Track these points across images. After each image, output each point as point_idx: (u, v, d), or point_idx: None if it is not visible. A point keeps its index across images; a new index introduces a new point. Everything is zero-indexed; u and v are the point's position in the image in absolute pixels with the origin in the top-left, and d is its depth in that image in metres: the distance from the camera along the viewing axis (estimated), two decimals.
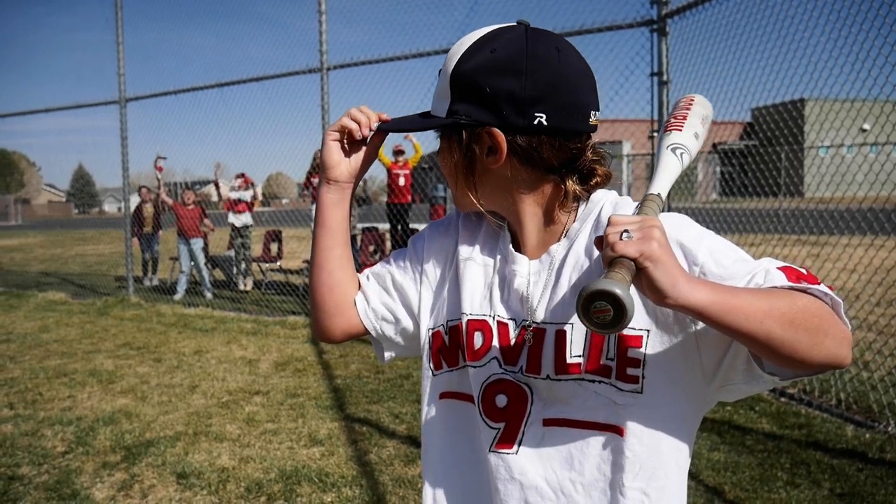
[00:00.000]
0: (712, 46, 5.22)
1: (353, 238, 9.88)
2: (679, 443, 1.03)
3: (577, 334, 1.00)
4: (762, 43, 5.02)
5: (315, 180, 8.98)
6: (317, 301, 1.20)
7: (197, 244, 10.18)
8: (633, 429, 0.99)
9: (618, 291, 0.77)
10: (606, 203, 1.06)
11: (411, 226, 11.09)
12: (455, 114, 1.01)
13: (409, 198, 11.22)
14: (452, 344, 1.12)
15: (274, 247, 11.27)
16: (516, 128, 0.98)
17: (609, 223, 0.86)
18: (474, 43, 1.01)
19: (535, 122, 0.97)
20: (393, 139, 11.02)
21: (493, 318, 1.08)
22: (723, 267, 0.93)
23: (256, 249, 11.56)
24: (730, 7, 5.13)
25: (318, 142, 8.80)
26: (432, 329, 1.15)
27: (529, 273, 1.07)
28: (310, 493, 3.50)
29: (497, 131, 0.99)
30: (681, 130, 1.08)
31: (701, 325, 0.94)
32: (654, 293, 0.83)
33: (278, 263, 11.00)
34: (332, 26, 8.05)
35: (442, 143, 1.08)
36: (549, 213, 1.05)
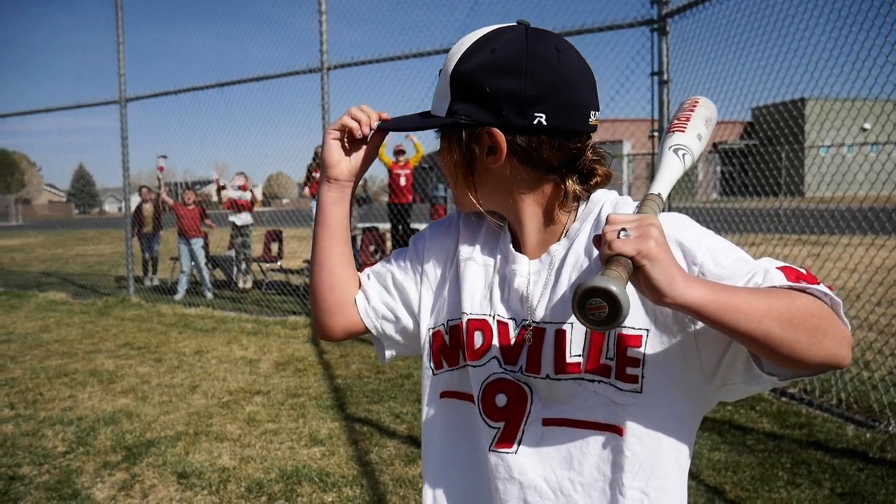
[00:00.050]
0: (713, 46, 5.23)
1: (354, 238, 9.88)
2: (679, 442, 1.03)
3: (576, 334, 1.00)
4: (762, 42, 5.02)
5: (316, 175, 8.99)
6: (317, 299, 1.21)
7: (197, 244, 10.18)
8: (633, 428, 0.99)
9: (613, 288, 0.77)
10: (606, 203, 1.06)
11: (412, 226, 11.09)
12: (455, 113, 1.02)
13: (410, 198, 11.22)
14: (453, 343, 1.12)
15: (274, 247, 11.28)
16: (516, 128, 0.98)
17: (607, 221, 0.86)
18: (474, 43, 1.01)
19: (535, 122, 0.98)
20: (394, 139, 11.03)
21: (493, 317, 1.08)
22: (722, 266, 0.93)
23: (257, 249, 11.57)
24: (730, 6, 5.14)
25: (319, 141, 8.81)
26: (433, 328, 1.15)
27: (529, 272, 1.07)
28: (310, 493, 3.50)
29: (497, 131, 0.99)
30: (683, 132, 1.08)
31: (700, 324, 0.94)
32: (651, 291, 0.83)
33: (279, 263, 11.00)
34: (333, 26, 8.06)
35: (442, 142, 1.09)
36: (549, 213, 1.05)
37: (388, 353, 1.24)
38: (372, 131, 1.13)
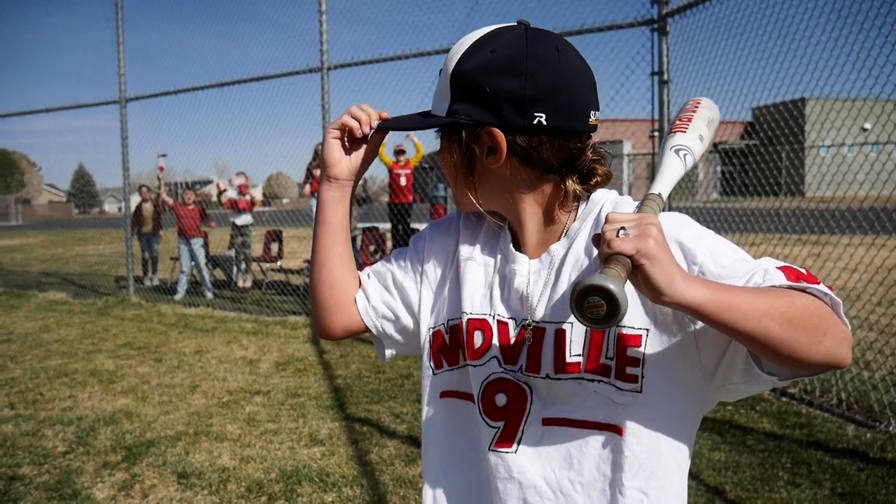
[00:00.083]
0: (713, 46, 5.23)
1: (353, 239, 9.88)
2: (678, 442, 1.03)
3: (576, 333, 1.00)
4: (763, 42, 5.02)
5: (316, 172, 8.99)
6: (317, 298, 1.21)
7: (197, 244, 10.18)
8: (633, 428, 0.99)
9: (611, 286, 0.77)
10: (606, 202, 1.06)
11: (412, 225, 11.09)
12: (455, 113, 1.02)
13: (411, 198, 11.21)
14: (453, 343, 1.12)
15: (274, 247, 11.28)
16: (516, 127, 0.98)
17: (606, 220, 0.86)
18: (474, 43, 1.01)
19: (535, 121, 0.98)
20: (395, 139, 11.03)
21: (493, 317, 1.08)
22: (722, 266, 0.93)
23: (257, 249, 11.57)
24: (730, 6, 5.14)
25: (319, 141, 8.80)
26: (433, 328, 1.15)
27: (529, 272, 1.07)
28: (310, 493, 3.50)
29: (497, 131, 0.99)
30: (685, 132, 1.08)
31: (700, 324, 0.94)
32: (650, 290, 0.83)
33: (279, 263, 11.01)
34: (333, 26, 8.06)
35: (442, 142, 1.09)
36: (550, 213, 1.05)
37: (388, 353, 1.24)
38: (372, 130, 1.13)
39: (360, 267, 1.26)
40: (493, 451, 1.06)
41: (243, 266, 10.73)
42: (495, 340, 1.07)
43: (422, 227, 1.27)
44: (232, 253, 10.98)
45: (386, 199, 12.39)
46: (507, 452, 1.05)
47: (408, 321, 1.20)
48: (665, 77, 5.62)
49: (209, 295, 10.06)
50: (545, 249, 1.07)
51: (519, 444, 1.05)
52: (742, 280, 0.91)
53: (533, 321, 1.04)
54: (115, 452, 4.10)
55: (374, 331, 1.21)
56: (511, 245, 1.10)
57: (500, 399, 1.06)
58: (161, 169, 10.62)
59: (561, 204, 1.04)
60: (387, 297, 1.20)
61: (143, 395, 5.23)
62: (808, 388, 4.78)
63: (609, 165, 1.08)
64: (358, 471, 3.76)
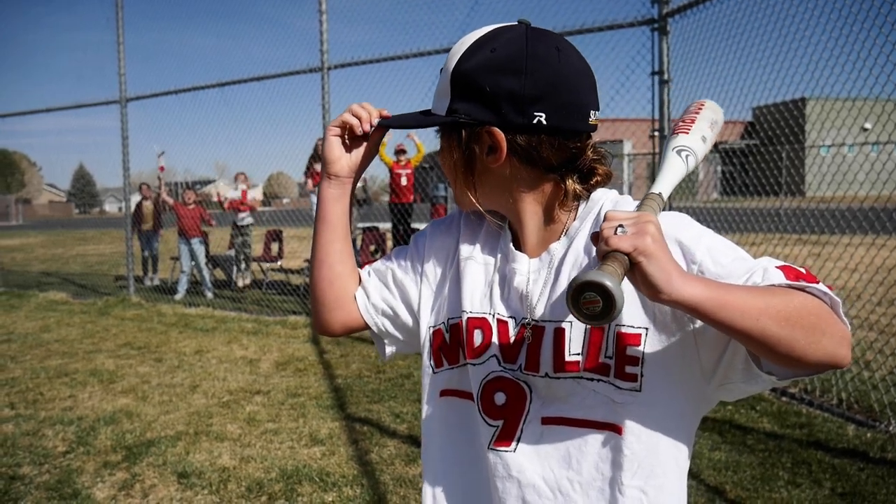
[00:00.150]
0: (713, 45, 5.23)
1: (353, 241, 9.87)
2: (678, 441, 1.03)
3: (575, 332, 1.01)
4: (763, 42, 5.02)
5: (317, 166, 8.99)
6: (317, 295, 1.21)
7: (197, 244, 10.19)
8: (632, 427, 0.99)
9: (607, 282, 0.78)
10: (606, 201, 1.06)
11: (413, 225, 11.08)
12: (455, 112, 1.02)
13: (412, 198, 11.21)
14: (453, 342, 1.12)
15: (275, 246, 11.28)
16: (516, 127, 0.99)
17: (605, 218, 0.87)
18: (475, 42, 1.01)
19: (535, 121, 0.98)
20: (396, 139, 11.02)
21: (493, 315, 1.08)
22: (721, 265, 0.93)
23: (257, 249, 11.57)
24: (730, 6, 5.14)
25: (320, 137, 8.79)
26: (433, 327, 1.16)
27: (529, 271, 1.07)
28: (311, 493, 3.50)
29: (497, 130, 0.99)
30: (687, 133, 1.08)
31: (699, 323, 0.94)
32: (647, 288, 0.83)
33: (279, 263, 11.01)
34: (333, 26, 8.06)
35: (442, 141, 1.09)
36: (550, 212, 1.06)
37: (389, 350, 1.24)
38: (372, 128, 1.13)
39: (360, 266, 1.26)
40: (492, 449, 1.06)
41: (243, 266, 10.74)
42: (495, 339, 1.07)
43: (422, 226, 1.27)
44: (232, 253, 10.99)
45: (386, 198, 12.39)
46: (506, 451, 1.05)
47: (407, 319, 1.20)
48: (665, 77, 5.62)
49: (209, 295, 10.06)
50: (545, 248, 1.07)
51: (518, 442, 1.05)
52: (741, 279, 0.91)
53: (532, 320, 1.05)
54: (116, 452, 4.10)
55: (374, 328, 1.22)
56: (511, 244, 1.10)
57: (499, 398, 1.06)
58: (162, 169, 10.63)
59: (561, 203, 1.04)
60: (386, 295, 1.21)
61: (144, 394, 5.23)
62: (808, 387, 4.78)
63: (609, 165, 1.08)
64: (358, 470, 3.76)
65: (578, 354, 1.00)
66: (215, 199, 11.25)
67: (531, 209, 1.06)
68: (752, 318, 0.83)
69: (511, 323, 1.07)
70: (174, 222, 10.50)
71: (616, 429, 1.00)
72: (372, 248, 10.70)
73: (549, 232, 1.07)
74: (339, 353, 6.36)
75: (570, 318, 1.01)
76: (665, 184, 1.01)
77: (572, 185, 1.03)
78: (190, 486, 3.63)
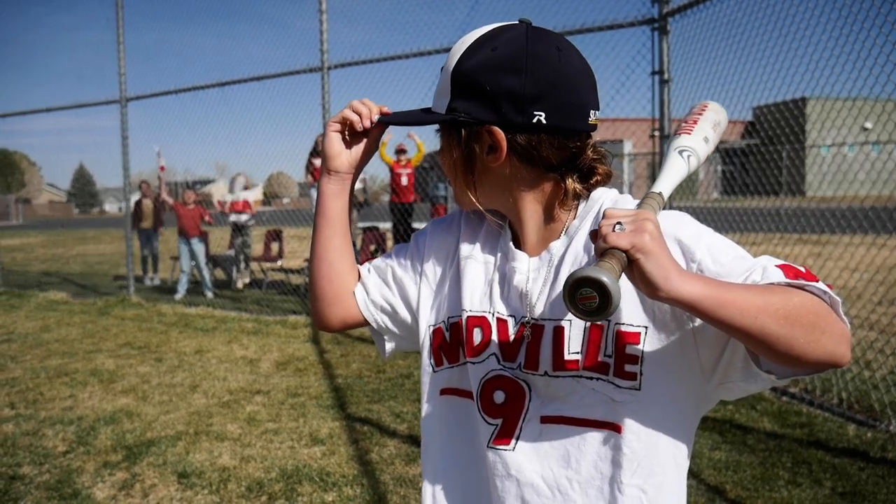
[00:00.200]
0: (713, 45, 5.23)
1: (353, 241, 9.87)
2: (677, 440, 1.03)
3: (575, 330, 1.01)
4: (763, 41, 5.02)
5: (316, 162, 8.99)
6: (316, 290, 1.22)
7: (197, 243, 10.19)
8: (631, 426, 0.99)
9: (603, 278, 0.78)
10: (606, 200, 1.06)
11: (414, 225, 11.08)
12: (454, 111, 1.02)
13: (412, 197, 11.20)
14: (453, 340, 1.12)
15: (275, 246, 11.28)
16: (515, 126, 0.99)
17: (604, 216, 0.87)
18: (476, 41, 1.01)
19: (534, 120, 0.98)
20: (396, 138, 11.01)
21: (493, 314, 1.08)
22: (720, 264, 0.93)
23: (257, 249, 11.56)
24: (731, 5, 5.14)
25: (320, 133, 8.79)
26: (433, 326, 1.16)
27: (529, 270, 1.07)
28: (311, 493, 3.50)
29: (497, 129, 1.00)
30: (690, 134, 1.09)
31: (699, 321, 0.94)
32: (645, 285, 0.83)
33: (279, 263, 11.00)
34: (333, 25, 8.06)
35: (442, 140, 1.09)
36: (550, 211, 1.06)
37: (388, 347, 1.24)
38: (373, 125, 1.13)
39: (360, 264, 1.26)
40: (491, 448, 1.06)
41: (242, 266, 10.74)
42: (494, 337, 1.07)
43: (423, 226, 1.28)
44: (232, 253, 10.99)
45: (387, 198, 12.38)
46: (505, 450, 1.05)
47: (406, 316, 1.20)
48: (665, 76, 5.61)
49: (209, 294, 10.06)
50: (545, 247, 1.07)
51: (517, 441, 1.05)
52: (740, 278, 0.91)
53: (532, 318, 1.05)
54: (116, 452, 4.10)
55: (373, 325, 1.22)
56: (511, 243, 1.10)
57: (499, 396, 1.06)
58: (162, 169, 10.63)
59: (561, 202, 1.04)
60: (386, 292, 1.21)
61: (144, 394, 5.23)
62: (808, 387, 4.78)
63: (609, 164, 1.08)
64: (358, 470, 3.76)
65: (578, 353, 1.00)
66: (216, 203, 11.27)
67: (531, 208, 1.06)
68: (751, 316, 0.83)
69: (511, 321, 1.07)
70: (174, 222, 10.50)
71: (615, 427, 1.00)
72: (372, 247, 10.70)
73: (549, 231, 1.07)
74: (339, 352, 6.36)
75: (570, 316, 1.01)
76: (666, 183, 1.01)
77: (572, 184, 1.03)
78: (190, 485, 3.63)
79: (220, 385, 5.45)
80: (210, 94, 9.48)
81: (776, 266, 0.91)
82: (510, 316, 1.07)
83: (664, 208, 0.99)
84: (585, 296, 0.79)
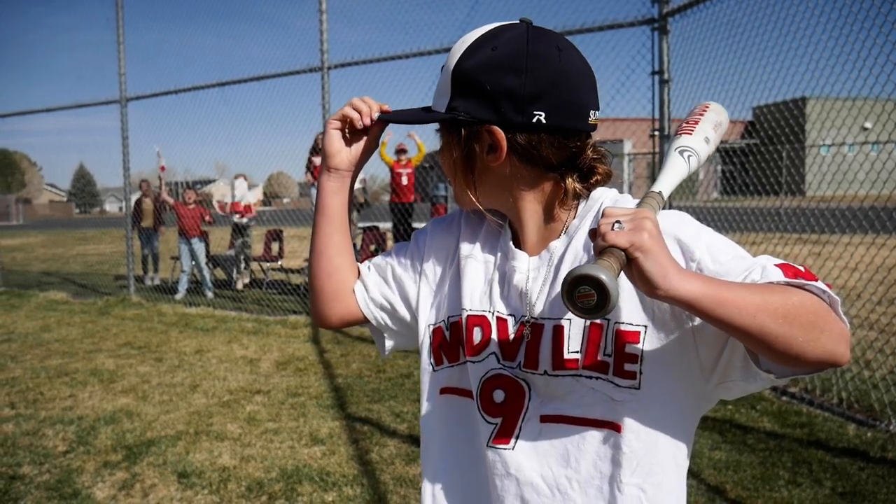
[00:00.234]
0: (713, 45, 5.23)
1: (354, 244, 9.85)
2: (677, 440, 1.03)
3: (574, 330, 1.01)
4: (763, 41, 5.02)
5: (316, 160, 9.00)
6: (316, 287, 1.22)
7: (198, 243, 10.19)
8: (631, 425, 0.99)
9: (601, 276, 0.78)
10: (606, 199, 1.06)
11: (414, 225, 11.08)
12: (454, 110, 1.02)
13: (413, 197, 11.20)
14: (453, 340, 1.12)
15: (275, 246, 11.28)
16: (515, 125, 0.99)
17: (603, 215, 0.87)
18: (476, 40, 1.01)
19: (534, 119, 0.98)
20: (396, 138, 11.02)
21: (493, 313, 1.08)
22: (719, 263, 0.93)
23: (257, 249, 11.56)
24: (731, 5, 5.15)
25: (320, 131, 8.78)
26: (433, 325, 1.16)
27: (529, 269, 1.07)
28: (311, 493, 3.50)
29: (497, 129, 1.00)
30: (690, 134, 1.09)
31: (698, 321, 0.94)
32: (644, 284, 0.83)
33: (279, 263, 11.01)
34: (333, 25, 8.06)
35: (442, 139, 1.09)
36: (549, 211, 1.06)
37: (388, 344, 1.25)
38: (373, 122, 1.14)
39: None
40: (490, 447, 1.07)
41: (243, 266, 10.74)
42: (494, 337, 1.07)
43: (423, 226, 1.29)
44: (232, 253, 10.99)
45: (387, 198, 12.38)
46: (505, 449, 1.05)
47: (405, 314, 1.21)
48: (665, 76, 5.62)
49: (210, 294, 10.07)
50: (545, 247, 1.07)
51: (516, 440, 1.05)
52: (740, 277, 0.91)
53: (531, 317, 1.05)
54: (116, 452, 4.10)
55: (373, 322, 1.23)
56: (511, 242, 1.10)
57: (498, 395, 1.06)
58: (162, 169, 10.63)
59: (561, 202, 1.05)
60: (385, 290, 1.21)
61: (144, 394, 5.23)
62: (808, 387, 4.78)
63: (609, 164, 1.08)
64: (358, 470, 3.76)
65: (577, 352, 1.00)
66: (215, 203, 11.29)
67: (531, 208, 1.06)
68: (750, 315, 0.83)
69: (510, 321, 1.07)
70: (174, 222, 10.50)
71: (615, 427, 1.00)
72: (372, 247, 10.70)
73: (549, 230, 1.07)
74: (339, 352, 6.36)
75: (570, 315, 1.01)
76: (666, 183, 1.01)
77: (572, 183, 1.03)
78: (190, 485, 3.63)
79: (220, 385, 5.45)
80: (210, 94, 9.49)
81: (775, 265, 0.91)
82: (510, 315, 1.07)
83: (664, 208, 0.99)
84: (583, 293, 0.79)
